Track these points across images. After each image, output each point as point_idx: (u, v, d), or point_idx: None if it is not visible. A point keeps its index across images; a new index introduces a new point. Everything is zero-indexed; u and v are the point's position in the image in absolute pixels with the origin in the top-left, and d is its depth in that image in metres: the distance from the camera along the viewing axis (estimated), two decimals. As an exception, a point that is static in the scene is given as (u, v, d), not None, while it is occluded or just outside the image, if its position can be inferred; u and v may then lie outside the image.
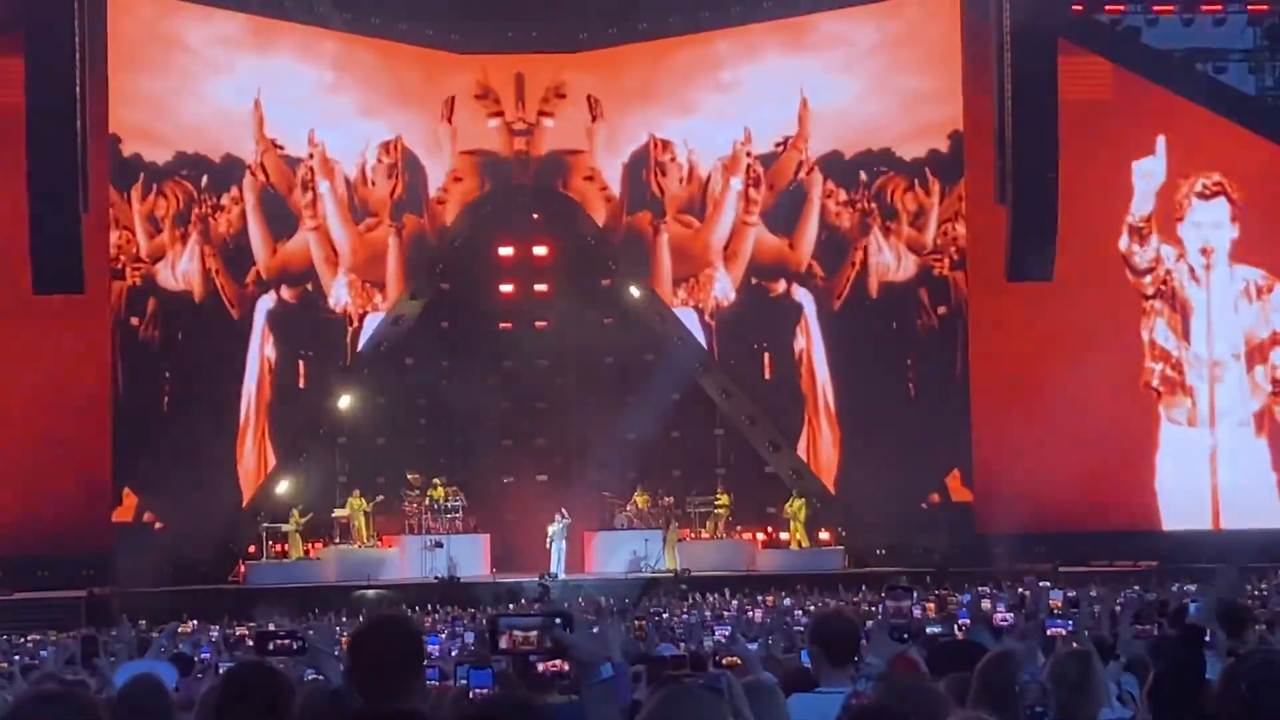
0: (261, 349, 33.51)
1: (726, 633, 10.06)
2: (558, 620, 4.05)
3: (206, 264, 32.87)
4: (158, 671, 6.79)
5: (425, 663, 7.98)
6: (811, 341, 34.37)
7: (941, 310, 33.37)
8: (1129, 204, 33.02)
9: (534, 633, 4.06)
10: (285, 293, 34.03)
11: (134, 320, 31.83)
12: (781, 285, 34.78)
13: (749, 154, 34.65)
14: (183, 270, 32.60)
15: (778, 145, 34.34)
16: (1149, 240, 33.06)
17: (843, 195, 33.92)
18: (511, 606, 26.57)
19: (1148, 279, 33.03)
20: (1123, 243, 33.06)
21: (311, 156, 33.95)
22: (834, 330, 34.05)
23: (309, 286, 34.05)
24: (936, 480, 32.76)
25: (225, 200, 32.99)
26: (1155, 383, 32.79)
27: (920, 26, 33.32)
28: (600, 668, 3.97)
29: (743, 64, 34.07)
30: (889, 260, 33.75)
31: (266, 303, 33.61)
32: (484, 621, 17.96)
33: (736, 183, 34.67)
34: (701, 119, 34.52)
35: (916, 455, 31.97)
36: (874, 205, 33.74)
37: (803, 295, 34.52)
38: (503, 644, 4.10)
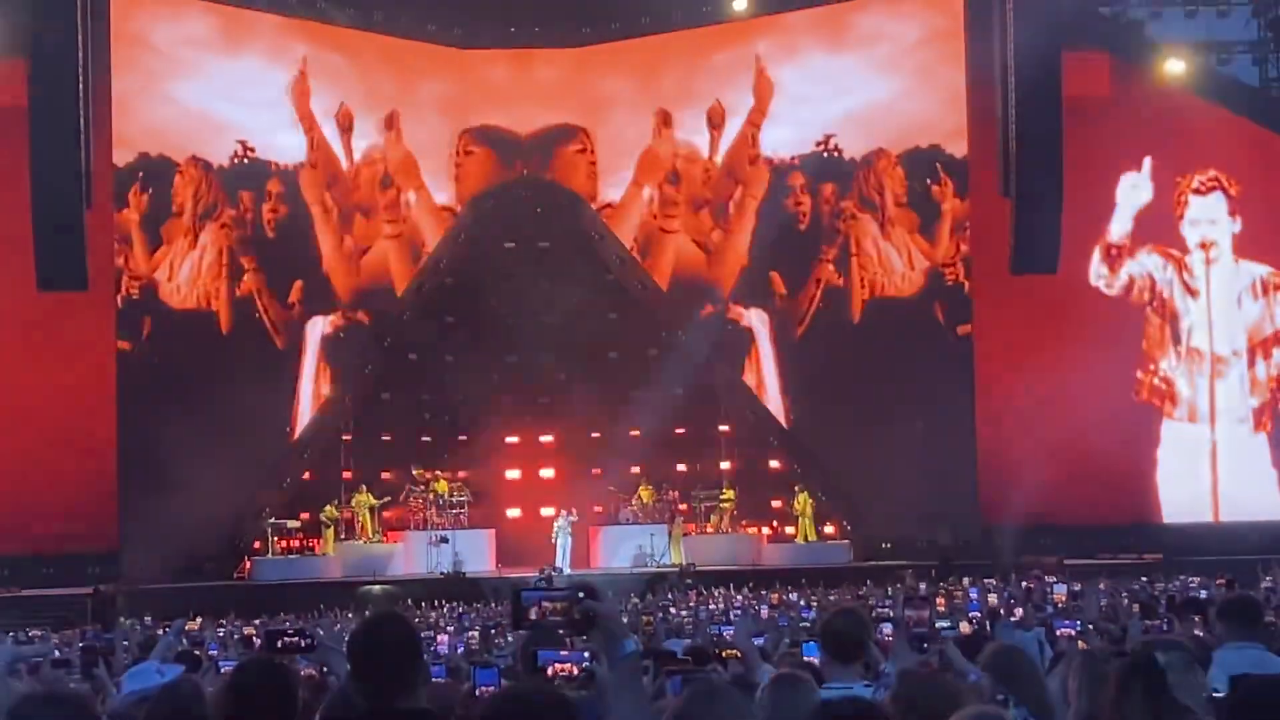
0: (316, 386, 30.91)
1: (730, 630, 10.06)
2: (581, 594, 4.06)
3: (246, 283, 30.05)
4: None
5: (433, 660, 7.98)
6: (763, 376, 32.13)
7: (963, 329, 30.91)
8: (1111, 215, 31.70)
9: (562, 603, 4.07)
10: (357, 315, 30.55)
11: (124, 344, 29.66)
12: (722, 307, 31.56)
13: (675, 145, 31.53)
14: (193, 286, 30.23)
15: (818, 144, 31.98)
16: (1122, 264, 31.65)
17: (828, 190, 31.83)
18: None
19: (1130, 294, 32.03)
20: (1092, 272, 31.36)
21: (383, 142, 31.32)
22: (796, 360, 31.15)
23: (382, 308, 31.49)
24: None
25: (258, 206, 30.95)
26: (1145, 395, 31.83)
27: (930, 23, 32.13)
28: (624, 642, 3.99)
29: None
30: (896, 264, 31.44)
31: (320, 326, 30.91)
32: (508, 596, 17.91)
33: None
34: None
35: (927, 490, 29.28)
36: (855, 207, 31.50)
37: (754, 318, 31.76)
38: (533, 615, 4.10)
